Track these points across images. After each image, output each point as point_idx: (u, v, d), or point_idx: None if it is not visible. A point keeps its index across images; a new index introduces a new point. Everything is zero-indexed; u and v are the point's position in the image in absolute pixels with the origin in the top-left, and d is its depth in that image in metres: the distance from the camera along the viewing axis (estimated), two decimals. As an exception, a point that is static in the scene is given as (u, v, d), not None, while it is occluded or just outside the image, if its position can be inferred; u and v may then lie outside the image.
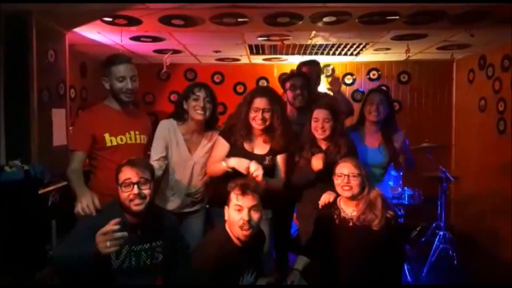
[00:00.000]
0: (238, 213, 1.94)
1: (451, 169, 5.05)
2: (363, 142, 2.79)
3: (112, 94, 2.42)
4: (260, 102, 2.40)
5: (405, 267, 3.57)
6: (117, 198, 1.94)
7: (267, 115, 2.40)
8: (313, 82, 3.39)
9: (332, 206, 2.33)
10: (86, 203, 2.03)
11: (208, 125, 2.57)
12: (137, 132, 2.46)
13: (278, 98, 2.53)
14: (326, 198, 2.40)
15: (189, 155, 2.54)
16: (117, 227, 1.62)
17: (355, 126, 2.92)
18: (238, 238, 1.98)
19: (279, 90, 3.30)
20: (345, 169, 2.22)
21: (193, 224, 2.63)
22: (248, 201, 1.94)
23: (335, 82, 3.63)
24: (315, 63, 3.58)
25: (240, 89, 5.42)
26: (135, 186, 1.88)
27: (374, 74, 5.45)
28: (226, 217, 2.01)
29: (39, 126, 2.90)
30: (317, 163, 2.43)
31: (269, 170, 2.45)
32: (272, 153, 2.50)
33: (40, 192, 2.42)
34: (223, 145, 2.49)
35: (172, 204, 2.54)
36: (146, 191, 1.90)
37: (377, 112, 2.73)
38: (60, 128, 3.21)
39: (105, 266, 1.81)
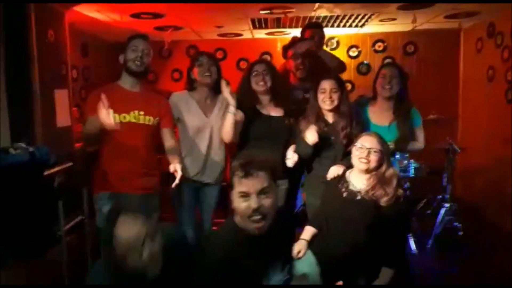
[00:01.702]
0: (244, 200, 1.57)
1: (458, 140, 4.99)
2: (373, 120, 2.71)
3: (124, 67, 2.48)
4: (258, 66, 2.63)
5: (411, 239, 3.59)
6: None
7: (267, 77, 2.59)
8: (316, 45, 3.36)
9: (341, 179, 2.32)
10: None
11: (217, 88, 2.67)
12: (141, 112, 2.47)
13: (272, 64, 2.75)
14: (335, 171, 2.39)
15: (205, 118, 2.66)
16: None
17: (366, 101, 2.83)
18: (249, 232, 1.60)
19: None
20: (367, 142, 2.19)
21: (208, 194, 2.76)
22: (254, 184, 1.55)
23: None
24: (319, 26, 3.57)
25: (243, 65, 5.32)
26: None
27: (379, 46, 5.34)
28: (232, 206, 1.63)
29: (42, 107, 2.90)
30: (312, 136, 2.44)
31: (289, 132, 2.63)
32: (288, 115, 2.67)
33: (45, 173, 2.43)
34: (238, 112, 2.57)
35: (190, 171, 2.63)
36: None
37: (390, 85, 2.62)
38: (64, 109, 3.21)
39: None
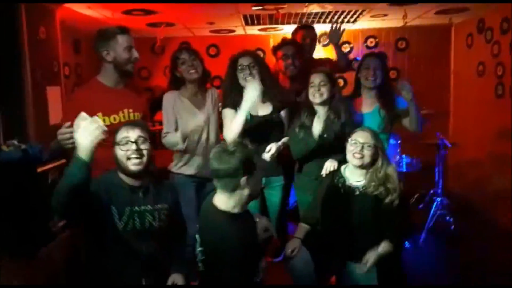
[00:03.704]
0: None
1: (449, 135, 5.05)
2: (358, 109, 2.72)
3: (115, 66, 2.35)
4: (244, 60, 2.52)
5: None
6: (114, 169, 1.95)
7: (254, 71, 2.50)
8: (308, 47, 3.35)
9: (336, 174, 2.33)
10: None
11: (204, 81, 2.68)
12: (130, 110, 2.41)
13: (259, 56, 2.69)
14: (329, 166, 2.39)
15: (200, 113, 2.65)
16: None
17: (351, 94, 2.86)
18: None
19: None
20: (361, 137, 2.21)
21: (209, 187, 2.70)
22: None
23: (334, 34, 3.34)
24: (310, 28, 3.51)
25: (236, 61, 5.32)
26: (134, 144, 1.86)
27: (371, 42, 5.37)
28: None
29: (34, 104, 2.88)
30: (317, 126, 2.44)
31: (279, 128, 2.57)
32: (276, 111, 2.60)
33: (39, 170, 2.42)
34: (230, 113, 2.53)
35: (192, 168, 2.65)
36: (144, 151, 1.88)
37: (374, 77, 2.64)
38: (56, 106, 3.20)
39: (107, 224, 1.85)
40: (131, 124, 1.96)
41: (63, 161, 2.70)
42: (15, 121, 2.76)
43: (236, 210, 1.84)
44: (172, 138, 2.61)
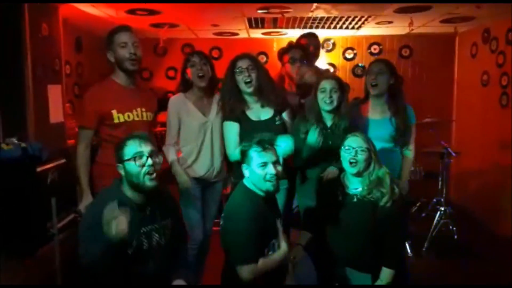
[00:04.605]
0: (263, 168, 1.97)
1: (452, 144, 5.02)
2: (369, 115, 2.66)
3: (118, 65, 2.43)
4: (242, 62, 2.49)
5: (406, 242, 3.59)
6: (117, 180, 1.87)
7: (253, 74, 2.47)
8: (311, 55, 3.32)
9: (335, 182, 2.30)
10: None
11: (211, 86, 2.68)
12: (143, 109, 2.47)
13: (258, 59, 2.65)
14: (330, 173, 2.37)
15: (204, 117, 2.64)
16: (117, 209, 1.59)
17: (359, 100, 2.81)
18: (265, 191, 2.02)
19: (279, 65, 3.24)
20: (353, 142, 2.18)
21: (214, 190, 2.77)
22: (270, 155, 2.00)
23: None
24: (314, 36, 3.50)
25: (239, 64, 5.29)
26: (149, 159, 1.79)
27: (375, 49, 5.36)
28: (247, 175, 2.05)
29: (35, 102, 2.83)
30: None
31: (282, 131, 2.52)
32: (278, 113, 2.57)
33: (38, 170, 2.37)
34: (232, 126, 2.53)
35: (196, 170, 2.63)
36: (158, 165, 1.82)
37: (379, 81, 2.57)
38: (57, 104, 3.15)
39: (120, 255, 1.73)
40: (138, 138, 1.85)
41: (63, 160, 2.66)
42: (15, 119, 2.71)
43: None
44: (167, 153, 2.60)
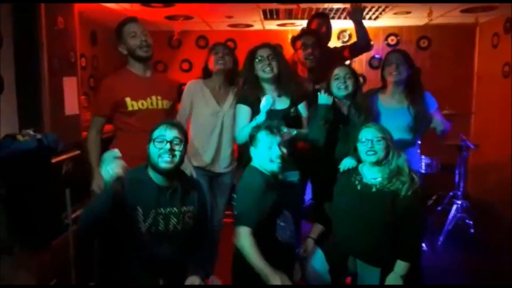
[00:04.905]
0: (269, 150, 2.06)
1: (471, 137, 4.91)
2: (385, 105, 2.64)
3: (131, 55, 2.48)
4: (263, 51, 2.48)
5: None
6: (144, 163, 1.96)
7: (273, 62, 2.45)
8: (323, 36, 3.28)
9: (353, 172, 2.27)
10: (100, 183, 2.27)
11: (231, 79, 2.70)
12: (159, 97, 2.51)
13: (278, 47, 2.63)
14: (348, 163, 2.32)
15: (218, 106, 2.65)
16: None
17: (376, 90, 2.76)
18: (271, 171, 2.10)
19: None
20: (368, 133, 2.15)
21: (221, 182, 2.77)
22: (276, 138, 2.07)
23: (357, 11, 3.25)
24: (325, 15, 3.46)
25: (254, 56, 5.26)
26: (168, 144, 1.87)
27: (392, 40, 5.25)
28: (254, 157, 2.14)
29: (50, 94, 2.87)
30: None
31: (296, 123, 2.52)
32: (294, 104, 2.56)
33: (53, 161, 2.41)
34: (244, 110, 2.51)
35: (200, 160, 2.64)
36: (177, 152, 1.89)
37: (397, 71, 2.55)
38: (72, 96, 3.18)
39: (131, 228, 1.83)
40: (170, 123, 1.96)
41: (78, 152, 2.69)
42: (31, 110, 2.75)
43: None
44: None
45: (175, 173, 1.93)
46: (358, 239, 2.17)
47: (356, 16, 3.22)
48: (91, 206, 2.02)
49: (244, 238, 1.96)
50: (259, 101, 2.47)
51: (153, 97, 2.48)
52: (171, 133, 1.89)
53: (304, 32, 3.11)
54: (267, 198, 2.04)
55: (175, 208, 1.92)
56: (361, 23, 3.24)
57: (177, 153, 1.89)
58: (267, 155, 2.08)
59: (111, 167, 2.09)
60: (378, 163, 2.15)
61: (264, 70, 2.46)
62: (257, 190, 2.04)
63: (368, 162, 2.19)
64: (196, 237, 2.03)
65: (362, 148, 2.16)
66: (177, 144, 1.89)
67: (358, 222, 2.17)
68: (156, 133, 1.90)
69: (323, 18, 3.40)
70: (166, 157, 1.85)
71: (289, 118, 2.50)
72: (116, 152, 2.17)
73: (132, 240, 1.84)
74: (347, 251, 2.25)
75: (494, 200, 4.49)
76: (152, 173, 1.92)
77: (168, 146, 1.86)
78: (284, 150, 2.09)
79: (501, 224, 4.12)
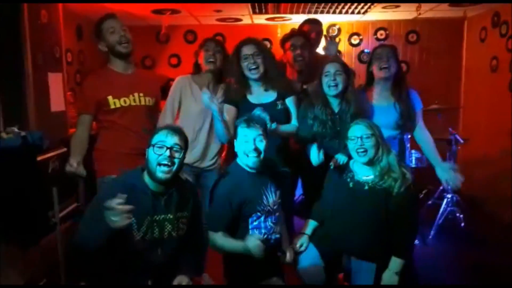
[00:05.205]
0: (246, 143, 2.02)
1: (460, 131, 4.94)
2: (372, 101, 2.61)
3: (111, 52, 2.45)
4: (247, 49, 2.45)
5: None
6: (141, 166, 1.88)
7: (258, 60, 2.44)
8: (313, 42, 3.26)
9: (345, 169, 2.26)
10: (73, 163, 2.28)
11: (221, 76, 2.65)
12: (141, 94, 2.47)
13: (263, 44, 2.62)
14: (339, 160, 2.30)
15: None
16: (121, 200, 1.55)
17: (363, 87, 2.74)
18: (247, 165, 2.07)
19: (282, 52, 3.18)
20: (357, 131, 2.13)
21: (208, 178, 2.69)
22: (254, 131, 2.03)
23: (332, 46, 3.20)
24: (317, 22, 3.44)
25: (242, 51, 5.21)
26: (168, 151, 1.79)
27: (381, 34, 5.24)
28: (236, 150, 2.12)
29: (35, 91, 2.81)
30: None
31: (283, 116, 2.50)
32: (281, 97, 2.53)
33: (39, 158, 2.34)
34: (229, 109, 2.49)
35: (194, 154, 2.58)
36: (176, 160, 1.81)
37: (387, 65, 2.52)
38: (58, 93, 3.12)
39: (125, 238, 1.74)
40: (171, 129, 1.86)
41: (64, 149, 2.63)
42: (15, 107, 2.69)
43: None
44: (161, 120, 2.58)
45: (172, 180, 1.85)
46: (352, 236, 2.16)
47: (330, 51, 3.15)
48: (88, 235, 1.75)
49: (214, 237, 2.04)
50: (245, 97, 2.48)
51: (136, 94, 2.44)
52: (171, 140, 1.80)
53: (293, 34, 3.11)
54: (241, 197, 2.04)
55: (170, 215, 1.86)
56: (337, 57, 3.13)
57: (176, 161, 1.80)
58: (242, 148, 2.05)
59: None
60: (370, 162, 2.14)
61: (250, 70, 2.45)
62: (225, 194, 2.05)
63: (360, 163, 2.18)
64: (189, 240, 1.99)
65: (352, 146, 2.15)
66: (177, 151, 1.81)
67: (351, 220, 2.16)
68: (156, 138, 1.81)
69: (314, 24, 3.39)
70: (165, 168, 1.77)
71: (276, 111, 2.48)
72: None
73: (125, 247, 1.78)
74: (340, 248, 2.23)
75: (483, 194, 4.53)
76: (147, 179, 1.84)
77: (167, 153, 1.77)
78: (261, 145, 2.03)
79: (490, 217, 4.17)
